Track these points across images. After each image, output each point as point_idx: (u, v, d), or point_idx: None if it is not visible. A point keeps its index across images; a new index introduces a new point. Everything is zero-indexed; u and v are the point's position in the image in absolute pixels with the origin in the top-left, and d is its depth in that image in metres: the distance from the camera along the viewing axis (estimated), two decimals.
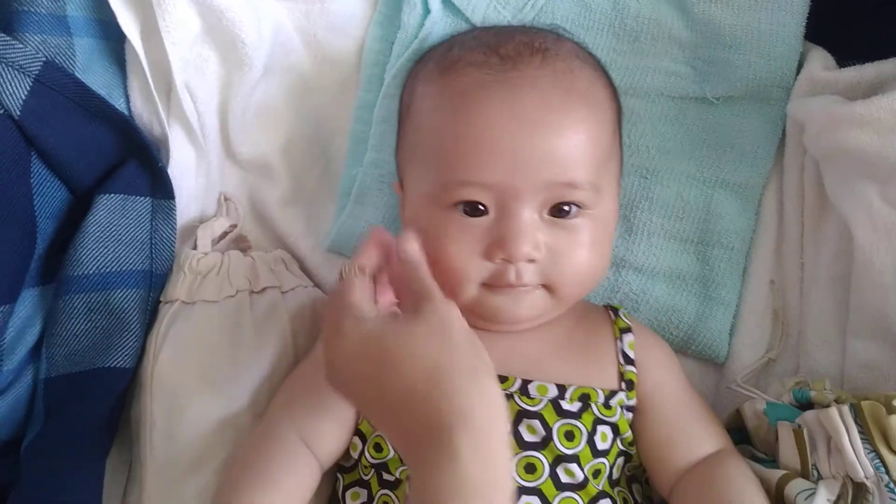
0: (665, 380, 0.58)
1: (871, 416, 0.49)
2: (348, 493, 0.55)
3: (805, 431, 0.51)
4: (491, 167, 0.51)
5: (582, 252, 0.54)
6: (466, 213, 0.53)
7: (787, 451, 0.53)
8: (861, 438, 0.48)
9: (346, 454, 0.56)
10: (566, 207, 0.53)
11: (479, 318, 0.55)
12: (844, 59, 0.64)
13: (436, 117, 0.54)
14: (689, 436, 0.56)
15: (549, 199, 0.52)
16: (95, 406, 0.59)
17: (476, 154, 0.51)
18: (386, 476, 0.54)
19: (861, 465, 0.49)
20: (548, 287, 0.54)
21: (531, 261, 0.53)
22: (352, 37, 0.74)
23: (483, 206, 0.52)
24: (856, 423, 0.49)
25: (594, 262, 0.55)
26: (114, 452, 0.62)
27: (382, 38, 0.73)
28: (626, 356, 0.58)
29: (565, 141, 0.52)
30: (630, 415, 0.56)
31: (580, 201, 0.53)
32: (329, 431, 0.55)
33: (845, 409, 0.49)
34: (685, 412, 0.57)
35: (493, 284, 0.53)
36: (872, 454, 0.49)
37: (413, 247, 0.50)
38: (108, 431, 0.61)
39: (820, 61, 0.64)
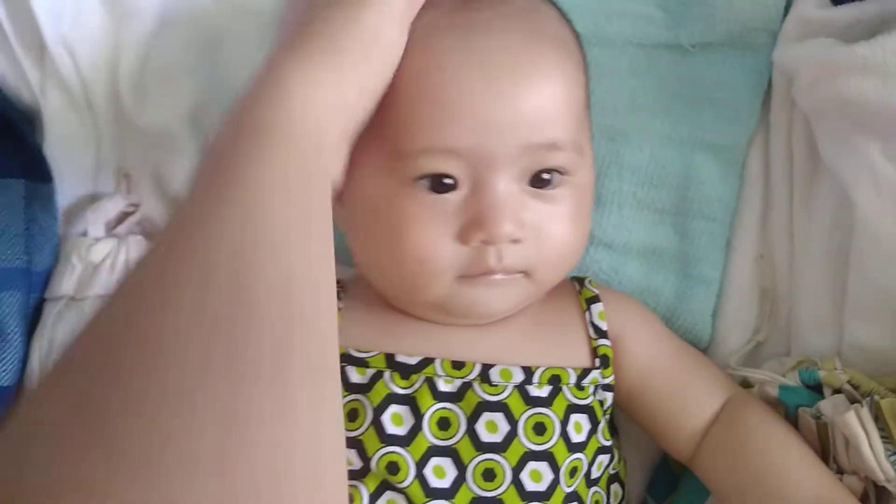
0: (650, 344, 0.53)
1: (892, 417, 0.44)
2: None
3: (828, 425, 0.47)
4: (459, 129, 0.44)
5: (565, 228, 0.48)
6: (432, 188, 0.45)
7: (809, 444, 0.49)
8: (882, 438, 0.44)
9: None
10: (546, 175, 0.46)
11: (442, 313, 0.48)
12: None
13: None
14: (693, 395, 0.52)
15: (528, 166, 0.46)
16: None
17: (440, 114, 0.44)
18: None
19: (882, 469, 0.44)
20: (527, 273, 0.48)
21: (515, 241, 0.46)
22: None
23: (451, 178, 0.45)
24: (874, 420, 0.45)
25: (577, 238, 0.49)
26: None
27: None
28: (597, 328, 0.52)
29: (542, 94, 0.45)
30: (607, 395, 0.51)
31: (562, 166, 0.47)
32: None
33: (865, 411, 0.45)
34: (681, 372, 0.53)
35: (468, 275, 0.46)
36: (895, 455, 0.45)
37: None
38: None
39: None
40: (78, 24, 0.55)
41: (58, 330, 0.54)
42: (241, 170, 0.33)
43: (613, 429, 0.54)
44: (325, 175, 0.39)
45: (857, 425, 0.44)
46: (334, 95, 0.40)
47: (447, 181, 0.45)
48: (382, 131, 0.46)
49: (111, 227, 0.58)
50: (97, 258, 0.55)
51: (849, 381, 0.49)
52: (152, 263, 0.32)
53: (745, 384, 0.54)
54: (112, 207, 0.57)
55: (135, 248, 0.56)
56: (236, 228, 0.31)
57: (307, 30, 0.41)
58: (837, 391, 0.50)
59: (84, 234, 0.57)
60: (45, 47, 0.54)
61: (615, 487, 0.51)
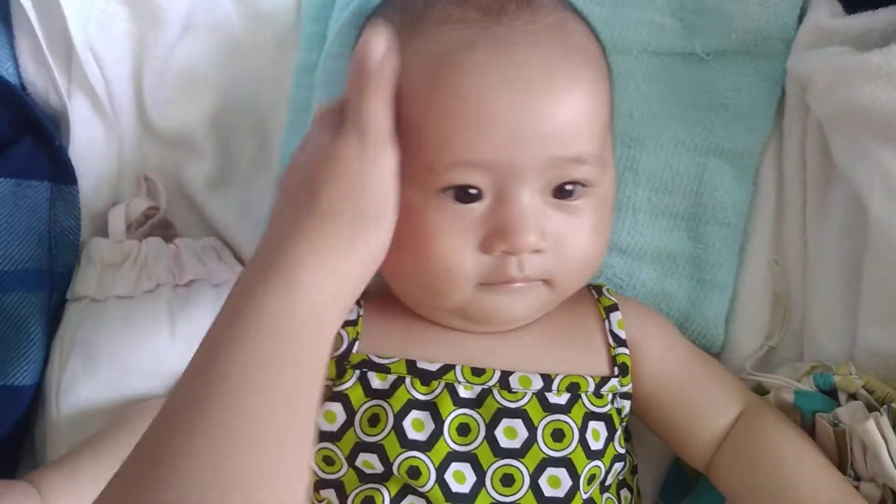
0: (666, 353, 0.53)
1: None
2: None
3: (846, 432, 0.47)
4: (489, 143, 0.44)
5: (585, 239, 0.48)
6: (457, 198, 0.45)
7: (826, 450, 0.49)
8: None
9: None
10: (569, 187, 0.46)
11: (463, 319, 0.49)
12: (852, 6, 0.56)
13: (412, 86, 0.45)
14: (709, 404, 0.52)
15: (552, 178, 0.46)
16: None
17: (471, 129, 0.44)
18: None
19: None
20: (547, 281, 0.48)
21: (536, 251, 0.46)
22: None
23: (476, 189, 0.45)
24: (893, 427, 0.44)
25: (597, 249, 0.49)
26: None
27: None
28: (616, 337, 0.52)
29: (573, 110, 0.45)
30: (625, 403, 0.51)
31: (585, 179, 0.46)
32: None
33: (884, 419, 0.44)
34: (697, 381, 0.53)
35: (489, 283, 0.46)
36: None
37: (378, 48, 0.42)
38: (9, 458, 0.54)
39: (825, 8, 0.57)
40: (104, 30, 0.56)
41: (79, 330, 0.54)
42: (233, 378, 0.34)
43: (626, 434, 0.54)
44: (321, 358, 0.39)
45: (876, 433, 0.44)
46: (345, 275, 0.40)
47: (472, 191, 0.45)
48: (412, 144, 0.45)
49: (132, 230, 0.58)
50: (118, 260, 0.55)
51: (864, 387, 0.49)
52: (130, 484, 0.32)
53: (760, 389, 0.54)
54: (133, 210, 0.58)
55: (155, 249, 0.56)
56: (207, 469, 0.31)
57: (318, 211, 0.40)
58: (852, 396, 0.49)
59: (105, 235, 0.57)
60: (72, 53, 0.55)
61: (624, 492, 0.51)
